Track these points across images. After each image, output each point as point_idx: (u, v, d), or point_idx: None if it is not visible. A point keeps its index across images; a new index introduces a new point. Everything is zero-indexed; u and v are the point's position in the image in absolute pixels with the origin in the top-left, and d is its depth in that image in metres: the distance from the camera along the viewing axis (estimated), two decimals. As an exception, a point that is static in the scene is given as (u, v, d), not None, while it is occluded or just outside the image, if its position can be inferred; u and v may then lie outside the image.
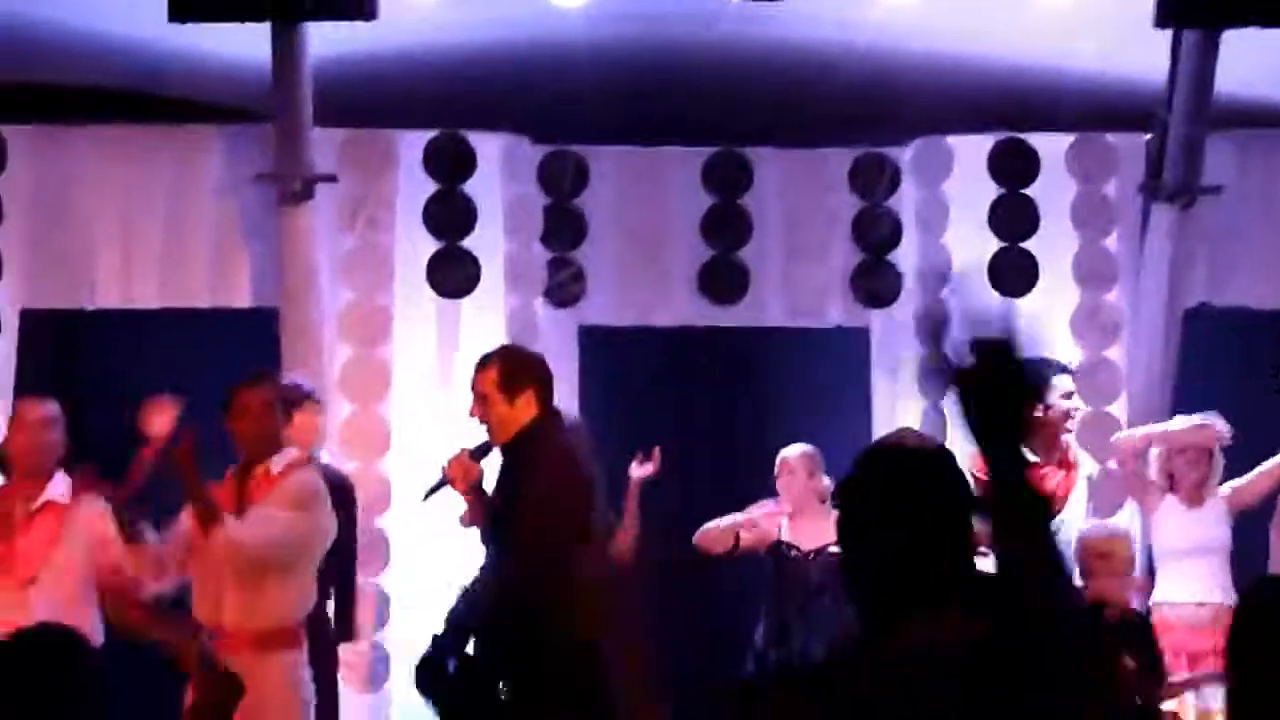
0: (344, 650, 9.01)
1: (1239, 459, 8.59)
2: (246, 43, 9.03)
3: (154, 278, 9.76)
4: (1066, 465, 8.69)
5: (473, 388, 7.25)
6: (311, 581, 7.27)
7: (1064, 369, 8.80)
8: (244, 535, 6.99)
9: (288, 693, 7.05)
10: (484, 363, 7.25)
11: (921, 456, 3.52)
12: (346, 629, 8.67)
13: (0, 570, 7.32)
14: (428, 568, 9.49)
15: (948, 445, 9.32)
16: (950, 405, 3.49)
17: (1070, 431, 8.74)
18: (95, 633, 7.10)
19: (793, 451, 8.92)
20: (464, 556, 9.42)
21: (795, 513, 8.89)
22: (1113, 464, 9.12)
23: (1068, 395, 8.69)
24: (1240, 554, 8.60)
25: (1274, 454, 8.63)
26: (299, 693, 7.13)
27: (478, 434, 9.58)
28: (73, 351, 10.07)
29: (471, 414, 7.28)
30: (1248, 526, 8.67)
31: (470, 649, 7.04)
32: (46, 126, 9.77)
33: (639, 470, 8.46)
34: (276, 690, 6.94)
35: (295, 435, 8.09)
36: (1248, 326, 9.89)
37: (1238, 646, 4.08)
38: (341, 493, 8.26)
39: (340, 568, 8.36)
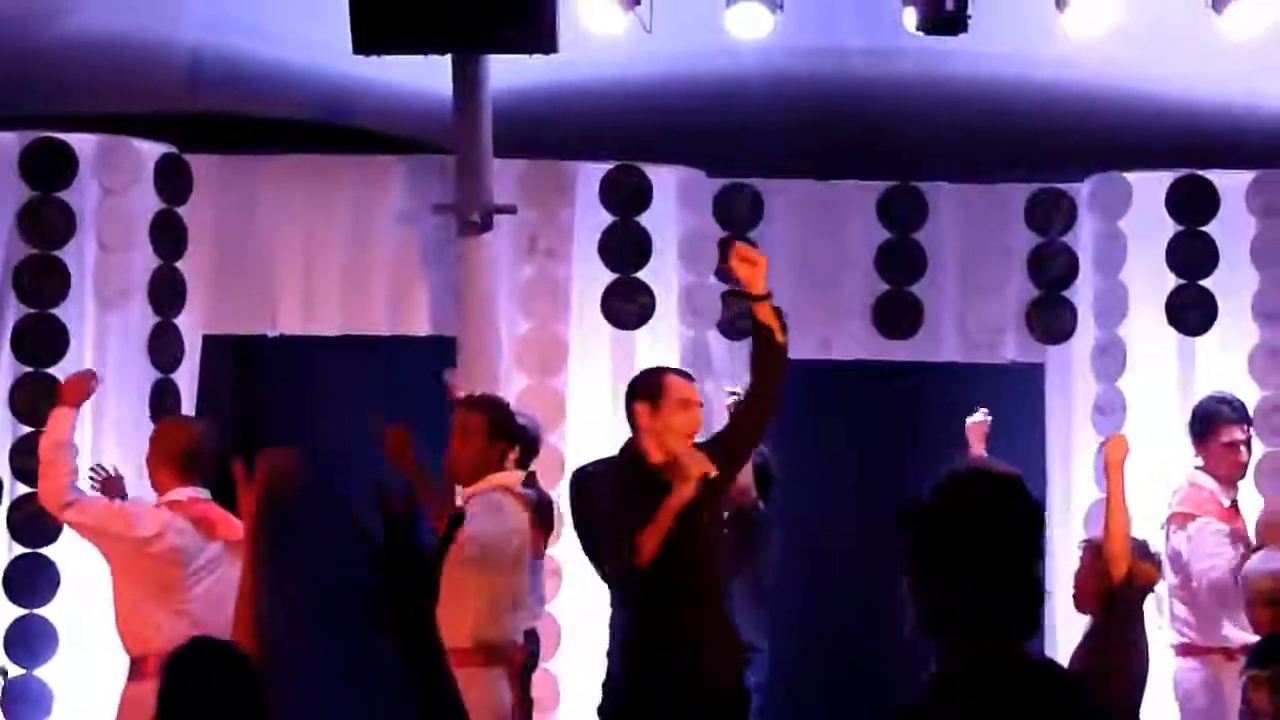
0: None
1: None
2: (428, 75, 9.17)
3: (334, 305, 9.92)
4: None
5: (697, 400, 7.23)
6: (491, 599, 7.19)
7: (1235, 411, 8.68)
8: None
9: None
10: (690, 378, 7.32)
11: (1006, 483, 3.53)
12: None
13: None
14: (599, 596, 9.55)
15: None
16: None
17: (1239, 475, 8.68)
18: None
19: None
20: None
21: None
22: None
23: (1233, 444, 8.61)
24: None
25: None
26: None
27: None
28: (253, 377, 10.25)
29: (696, 429, 7.21)
30: None
31: None
32: (230, 155, 9.95)
33: None
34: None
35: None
36: None
37: None
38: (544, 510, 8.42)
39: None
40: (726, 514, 8.03)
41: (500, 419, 7.39)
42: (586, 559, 7.38)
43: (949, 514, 3.46)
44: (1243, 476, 8.72)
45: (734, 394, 8.66)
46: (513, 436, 7.47)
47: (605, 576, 7.30)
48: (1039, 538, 3.51)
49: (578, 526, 7.37)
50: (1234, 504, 8.68)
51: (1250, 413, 8.79)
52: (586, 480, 7.35)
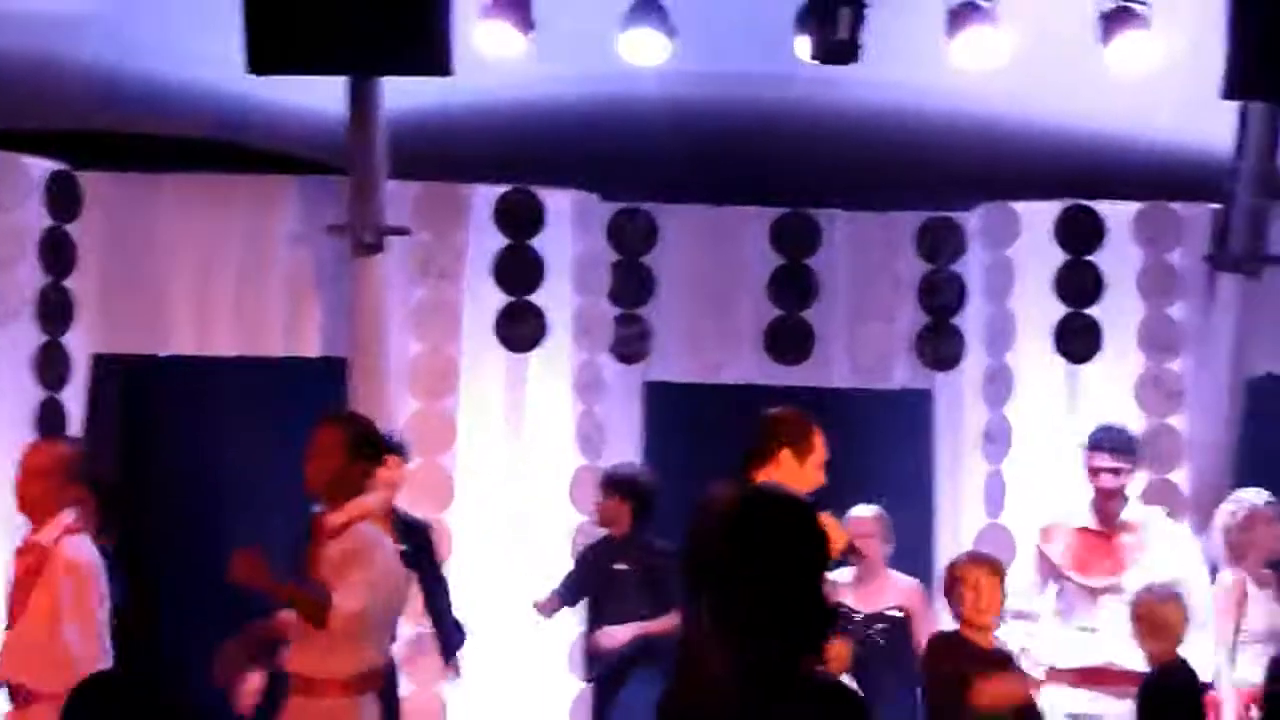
0: (405, 699, 9.10)
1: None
2: (324, 95, 9.15)
3: (227, 325, 9.86)
4: (1125, 530, 8.63)
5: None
6: (378, 640, 7.03)
7: (1102, 439, 8.66)
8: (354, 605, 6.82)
9: None
10: None
11: (794, 504, 3.60)
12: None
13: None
14: (491, 618, 9.56)
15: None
16: None
17: (1113, 500, 8.62)
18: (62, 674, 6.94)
19: (868, 512, 8.88)
20: (527, 600, 9.52)
21: (862, 576, 8.87)
22: None
23: (1092, 470, 8.59)
24: None
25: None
26: None
27: (542, 487, 9.73)
28: (143, 398, 10.18)
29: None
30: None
31: None
32: (122, 173, 9.89)
33: None
34: None
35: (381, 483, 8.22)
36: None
37: None
38: (419, 536, 8.48)
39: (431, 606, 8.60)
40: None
41: (361, 436, 7.10)
42: None
43: (729, 529, 3.51)
44: (1108, 503, 8.60)
45: None
46: (376, 455, 7.24)
47: None
48: (821, 558, 3.57)
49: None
50: (1095, 532, 8.60)
51: (1129, 444, 8.72)
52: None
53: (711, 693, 3.44)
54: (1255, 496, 8.73)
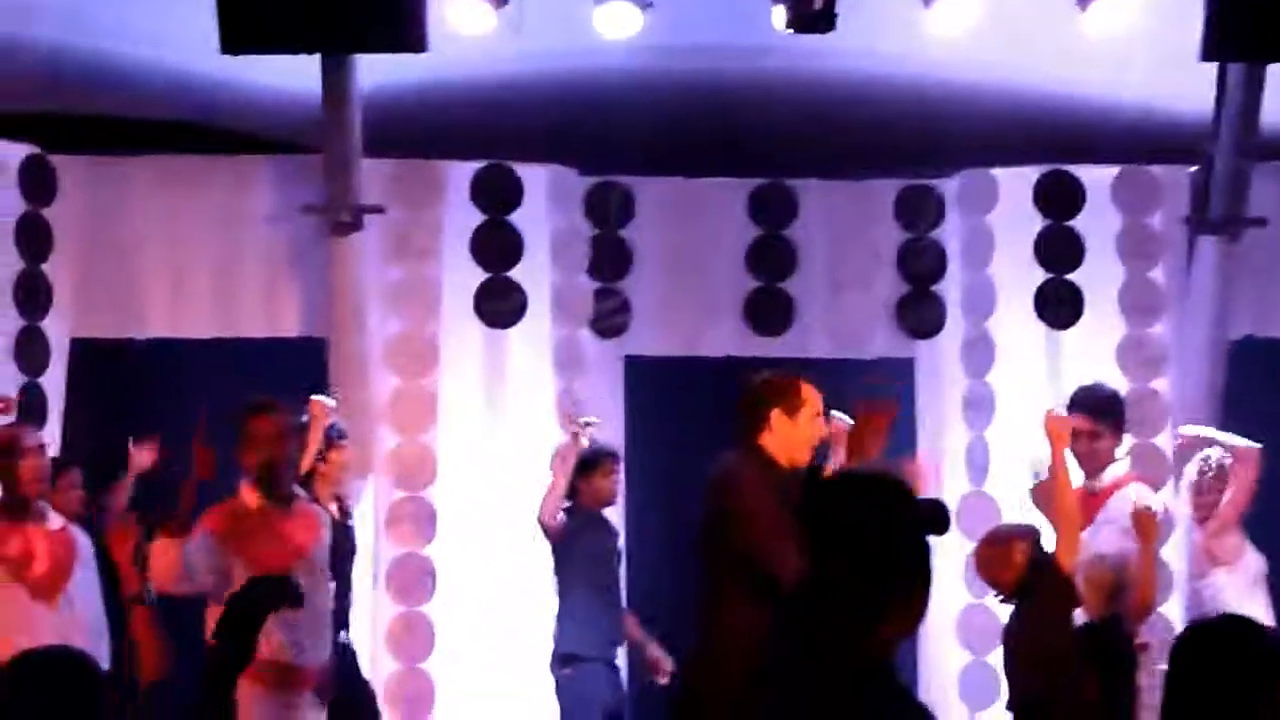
0: (390, 678, 9.11)
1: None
2: (298, 74, 9.11)
3: (204, 307, 9.83)
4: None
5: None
6: None
7: (1072, 400, 8.50)
8: None
9: None
10: None
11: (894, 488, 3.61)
12: None
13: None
14: (474, 596, 9.54)
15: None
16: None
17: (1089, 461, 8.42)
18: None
19: None
20: (512, 582, 9.50)
21: None
22: None
23: (1084, 431, 8.37)
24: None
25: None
26: None
27: (524, 464, 9.70)
28: (122, 381, 10.12)
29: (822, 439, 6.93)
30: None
31: None
32: (98, 156, 9.83)
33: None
34: None
35: (330, 473, 8.30)
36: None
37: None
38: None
39: None
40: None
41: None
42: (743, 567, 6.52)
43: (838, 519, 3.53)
44: (1088, 465, 8.16)
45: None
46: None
47: (776, 584, 6.24)
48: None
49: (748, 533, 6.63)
50: (1087, 490, 8.36)
51: (1101, 405, 8.24)
52: (746, 485, 6.71)
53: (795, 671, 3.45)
54: (1222, 455, 8.68)
